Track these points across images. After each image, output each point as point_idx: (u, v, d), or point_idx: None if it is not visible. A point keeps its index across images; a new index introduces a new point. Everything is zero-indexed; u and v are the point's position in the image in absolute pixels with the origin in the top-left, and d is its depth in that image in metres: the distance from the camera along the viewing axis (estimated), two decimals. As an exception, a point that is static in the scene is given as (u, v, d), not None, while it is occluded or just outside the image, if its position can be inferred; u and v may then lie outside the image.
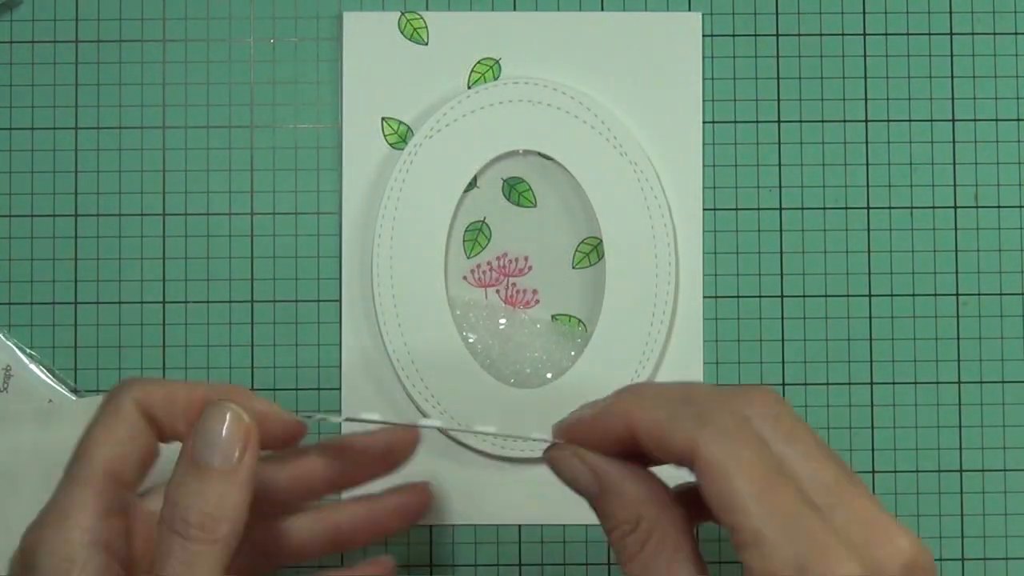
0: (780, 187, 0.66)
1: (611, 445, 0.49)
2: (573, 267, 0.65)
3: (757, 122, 0.66)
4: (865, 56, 0.66)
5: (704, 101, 0.66)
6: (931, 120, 0.66)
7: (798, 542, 0.44)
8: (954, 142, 0.66)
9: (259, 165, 0.65)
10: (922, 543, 0.46)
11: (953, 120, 0.66)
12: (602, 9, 0.65)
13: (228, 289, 0.65)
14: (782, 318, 0.65)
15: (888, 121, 0.66)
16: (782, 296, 0.65)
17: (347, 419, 0.52)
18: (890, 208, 0.66)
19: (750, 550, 0.44)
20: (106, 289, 0.65)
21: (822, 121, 0.66)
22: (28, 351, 0.65)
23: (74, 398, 0.64)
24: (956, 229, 0.66)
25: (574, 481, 0.50)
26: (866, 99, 0.66)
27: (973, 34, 0.66)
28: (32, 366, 0.64)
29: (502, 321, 0.65)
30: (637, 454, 0.48)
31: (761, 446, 0.46)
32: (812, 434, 0.48)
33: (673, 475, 0.47)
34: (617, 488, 0.49)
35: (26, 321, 0.65)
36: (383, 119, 0.65)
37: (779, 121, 0.66)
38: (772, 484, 0.45)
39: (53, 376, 0.64)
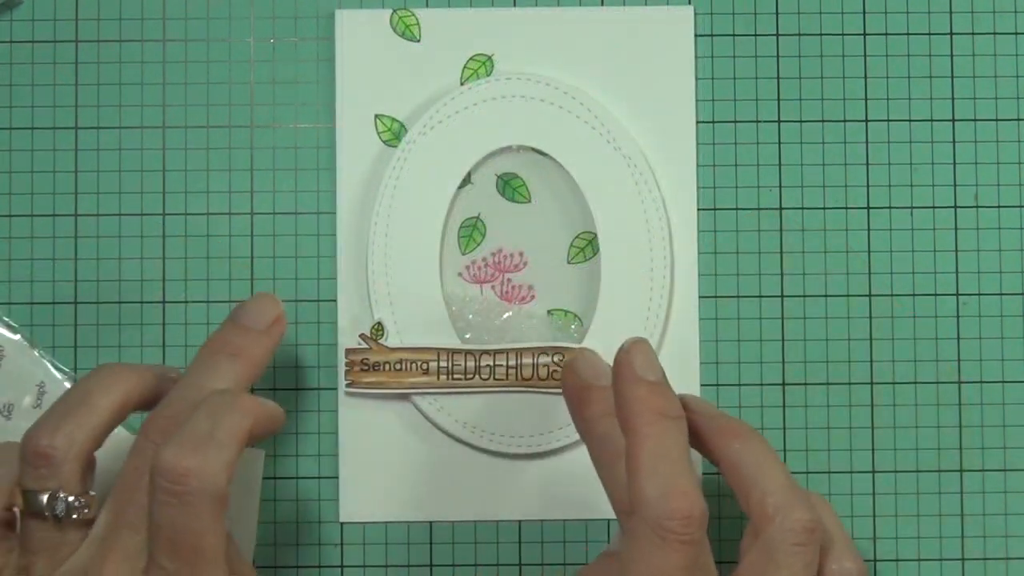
0: (780, 187, 0.66)
1: None
2: (568, 262, 0.65)
3: (757, 122, 0.66)
4: (865, 56, 0.66)
5: (704, 101, 0.66)
6: (931, 120, 0.66)
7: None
8: (954, 142, 0.66)
9: (259, 165, 0.65)
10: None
11: (953, 120, 0.66)
12: (601, 4, 0.66)
13: (228, 289, 0.65)
14: (782, 318, 0.65)
15: (888, 121, 0.66)
16: (782, 296, 0.65)
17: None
18: (890, 208, 0.66)
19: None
20: (106, 289, 0.65)
21: (822, 121, 0.66)
22: (62, 368, 0.65)
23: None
24: (956, 229, 0.66)
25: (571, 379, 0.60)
26: (866, 99, 0.66)
27: (973, 34, 0.66)
28: (67, 383, 0.64)
29: (498, 317, 0.65)
30: None
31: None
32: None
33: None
34: (587, 392, 0.59)
35: (26, 321, 0.65)
36: (376, 116, 0.65)
37: (779, 121, 0.66)
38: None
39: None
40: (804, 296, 0.65)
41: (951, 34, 0.66)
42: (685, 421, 0.56)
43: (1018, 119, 0.66)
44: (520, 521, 0.65)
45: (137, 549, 0.52)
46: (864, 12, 0.66)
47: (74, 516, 0.53)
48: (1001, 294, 0.66)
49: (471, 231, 0.65)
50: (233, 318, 0.59)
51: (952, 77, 0.66)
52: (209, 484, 0.51)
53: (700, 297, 0.65)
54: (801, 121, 0.66)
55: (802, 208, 0.66)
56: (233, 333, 0.58)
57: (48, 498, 0.53)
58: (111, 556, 0.52)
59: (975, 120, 0.66)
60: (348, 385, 0.63)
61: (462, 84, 0.65)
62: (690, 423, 0.58)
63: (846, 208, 0.66)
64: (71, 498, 0.53)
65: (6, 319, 0.65)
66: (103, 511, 0.54)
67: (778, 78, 0.66)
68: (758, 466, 0.56)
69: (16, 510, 0.54)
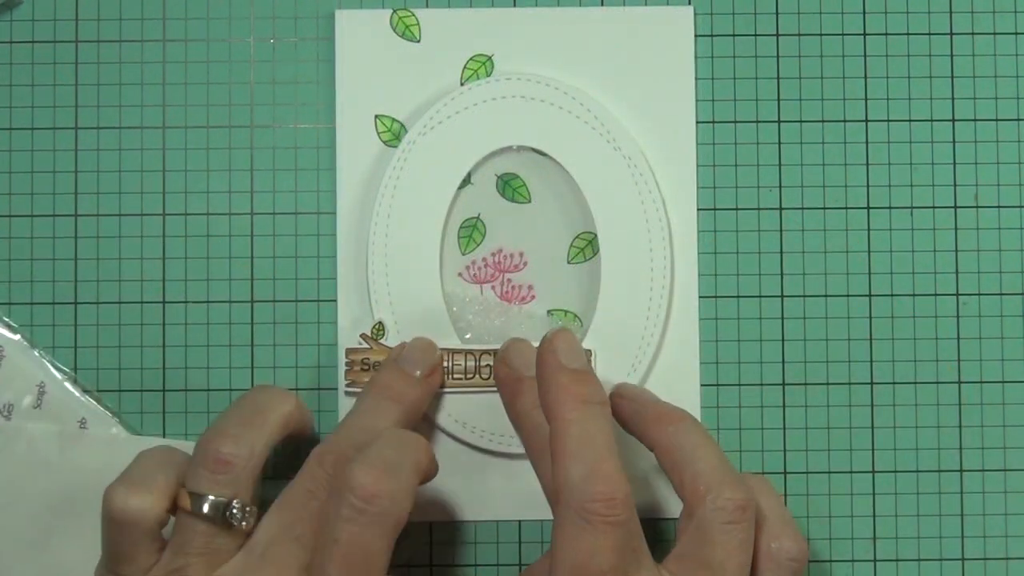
0: (780, 187, 0.66)
1: None
2: (568, 262, 0.65)
3: (757, 122, 0.66)
4: (865, 56, 0.66)
5: (703, 101, 0.66)
6: (931, 120, 0.66)
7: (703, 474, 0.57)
8: (954, 142, 0.66)
9: (259, 165, 0.65)
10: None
11: (953, 120, 0.66)
12: (601, 4, 0.66)
13: (228, 289, 0.65)
14: (782, 318, 0.65)
15: (888, 121, 0.66)
16: (782, 296, 0.65)
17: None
18: (890, 208, 0.66)
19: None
20: (106, 289, 0.65)
21: (822, 121, 0.66)
22: (62, 368, 0.65)
23: (109, 415, 0.64)
24: (956, 229, 0.66)
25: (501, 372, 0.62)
26: (866, 99, 0.66)
27: (973, 34, 0.66)
28: (67, 384, 0.64)
29: (498, 317, 0.65)
30: None
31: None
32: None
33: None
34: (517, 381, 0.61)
35: (26, 321, 0.65)
36: (376, 116, 0.65)
37: (779, 121, 0.66)
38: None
39: (85, 394, 0.65)
40: (804, 296, 0.65)
41: (951, 34, 0.66)
42: (608, 407, 0.57)
43: (1018, 119, 0.66)
44: (520, 521, 0.65)
45: (300, 564, 0.55)
46: (864, 12, 0.66)
47: (243, 524, 0.56)
48: (1001, 294, 0.66)
49: (471, 231, 0.65)
50: (396, 361, 0.62)
51: (952, 77, 0.66)
52: (396, 507, 0.53)
53: (700, 297, 0.65)
54: (801, 121, 0.66)
55: (802, 208, 0.66)
56: (396, 378, 0.61)
57: (224, 505, 0.55)
58: (274, 566, 0.55)
59: (975, 120, 0.66)
60: (348, 385, 0.63)
61: (462, 84, 0.65)
62: (626, 410, 0.60)
63: (846, 208, 0.66)
64: (245, 506, 0.56)
65: (6, 319, 0.65)
66: (265, 523, 0.56)
67: (778, 78, 0.66)
68: (691, 448, 0.57)
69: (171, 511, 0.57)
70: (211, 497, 0.55)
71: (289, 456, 0.63)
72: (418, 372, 0.61)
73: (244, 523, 0.56)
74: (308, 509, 0.55)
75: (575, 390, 0.56)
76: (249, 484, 0.56)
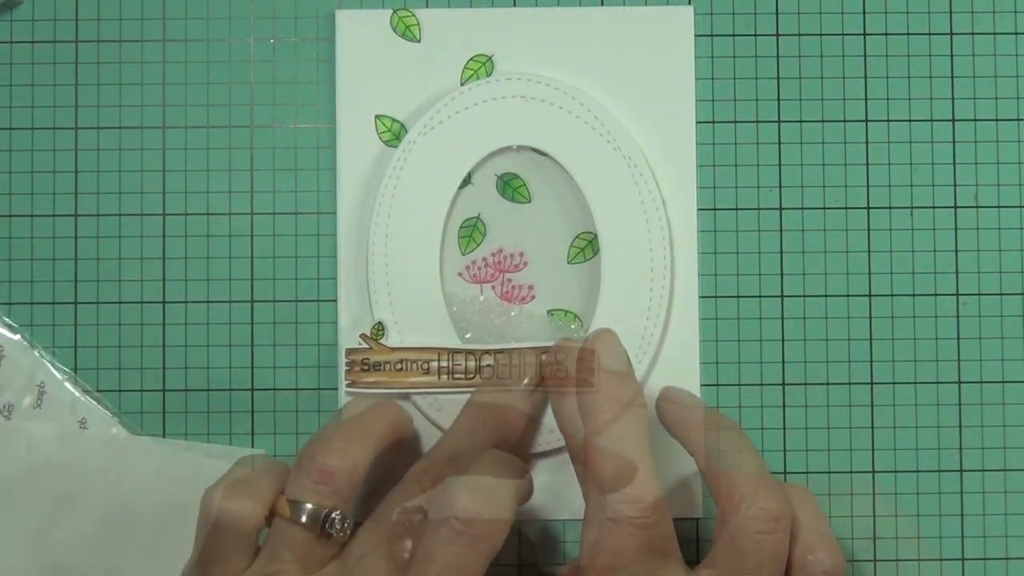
0: (780, 187, 0.66)
1: None
2: (568, 262, 0.65)
3: (757, 122, 0.66)
4: (865, 56, 0.66)
5: (703, 101, 0.66)
6: (931, 120, 0.66)
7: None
8: (954, 142, 0.66)
9: (259, 165, 0.65)
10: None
11: (953, 120, 0.66)
12: (601, 4, 0.66)
13: (228, 289, 0.65)
14: (782, 318, 0.65)
15: (888, 121, 0.66)
16: (782, 296, 0.65)
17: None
18: (890, 208, 0.66)
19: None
20: (106, 289, 0.65)
21: (822, 121, 0.66)
22: (62, 368, 0.65)
23: (109, 415, 0.64)
24: (956, 229, 0.66)
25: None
26: (866, 99, 0.66)
27: (973, 34, 0.66)
28: (67, 384, 0.64)
29: (498, 317, 0.65)
30: None
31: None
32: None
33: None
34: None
35: (26, 321, 0.65)
36: (377, 117, 0.65)
37: (779, 121, 0.66)
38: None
39: (85, 394, 0.65)
40: (804, 296, 0.65)
41: (951, 34, 0.66)
42: (645, 410, 0.57)
43: (1018, 119, 0.66)
44: (520, 521, 0.65)
45: None
46: (864, 12, 0.66)
47: (341, 535, 0.57)
48: (1001, 294, 0.66)
49: (471, 231, 0.65)
50: (497, 377, 0.63)
51: (952, 77, 0.66)
52: (496, 533, 0.54)
53: (700, 297, 0.65)
54: (801, 121, 0.66)
55: (802, 208, 0.65)
56: (495, 396, 0.62)
57: (325, 515, 0.56)
58: None
59: (975, 120, 0.66)
60: (349, 385, 0.63)
61: (462, 84, 0.65)
62: (670, 414, 0.60)
63: (846, 208, 0.66)
64: (345, 518, 0.57)
65: (6, 319, 0.65)
66: (360, 536, 0.57)
67: (778, 78, 0.66)
68: (729, 456, 0.57)
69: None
70: (309, 506, 0.56)
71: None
72: (526, 380, 0.62)
73: (341, 534, 0.56)
74: (403, 525, 0.56)
75: (613, 392, 0.57)
76: (349, 496, 0.57)
